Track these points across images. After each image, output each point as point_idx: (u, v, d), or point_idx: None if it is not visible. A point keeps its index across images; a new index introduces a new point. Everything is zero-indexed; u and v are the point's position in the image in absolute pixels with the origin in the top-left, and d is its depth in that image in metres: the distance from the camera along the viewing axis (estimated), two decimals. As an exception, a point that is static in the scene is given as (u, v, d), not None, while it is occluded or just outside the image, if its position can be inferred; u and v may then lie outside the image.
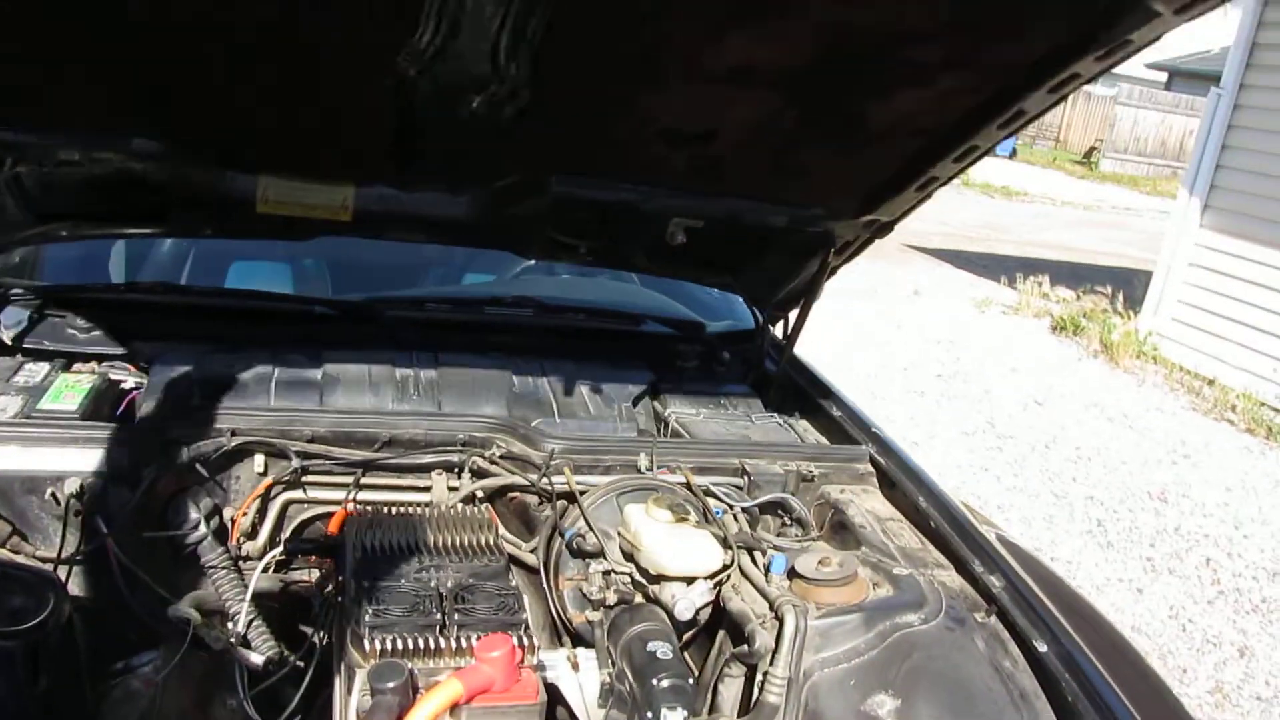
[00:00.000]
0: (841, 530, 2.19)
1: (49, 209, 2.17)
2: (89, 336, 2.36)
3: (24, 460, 1.90)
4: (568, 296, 2.94)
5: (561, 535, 1.98)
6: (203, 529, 2.01)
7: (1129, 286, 10.14)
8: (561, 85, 1.88)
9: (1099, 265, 12.83)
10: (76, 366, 2.31)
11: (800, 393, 2.75)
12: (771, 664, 1.73)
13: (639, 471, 2.17)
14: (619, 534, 1.97)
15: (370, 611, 1.61)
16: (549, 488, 2.10)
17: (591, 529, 1.97)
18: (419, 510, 2.05)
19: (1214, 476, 6.56)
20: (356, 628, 1.60)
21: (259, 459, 2.08)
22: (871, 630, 1.79)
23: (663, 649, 1.72)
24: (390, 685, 1.47)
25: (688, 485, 2.14)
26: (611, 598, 1.94)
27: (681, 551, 1.85)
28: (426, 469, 2.16)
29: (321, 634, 1.95)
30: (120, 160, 2.02)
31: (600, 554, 1.96)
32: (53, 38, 1.69)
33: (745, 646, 1.79)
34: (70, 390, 2.13)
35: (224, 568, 2.01)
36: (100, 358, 2.35)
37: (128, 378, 2.33)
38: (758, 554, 1.98)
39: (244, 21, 1.69)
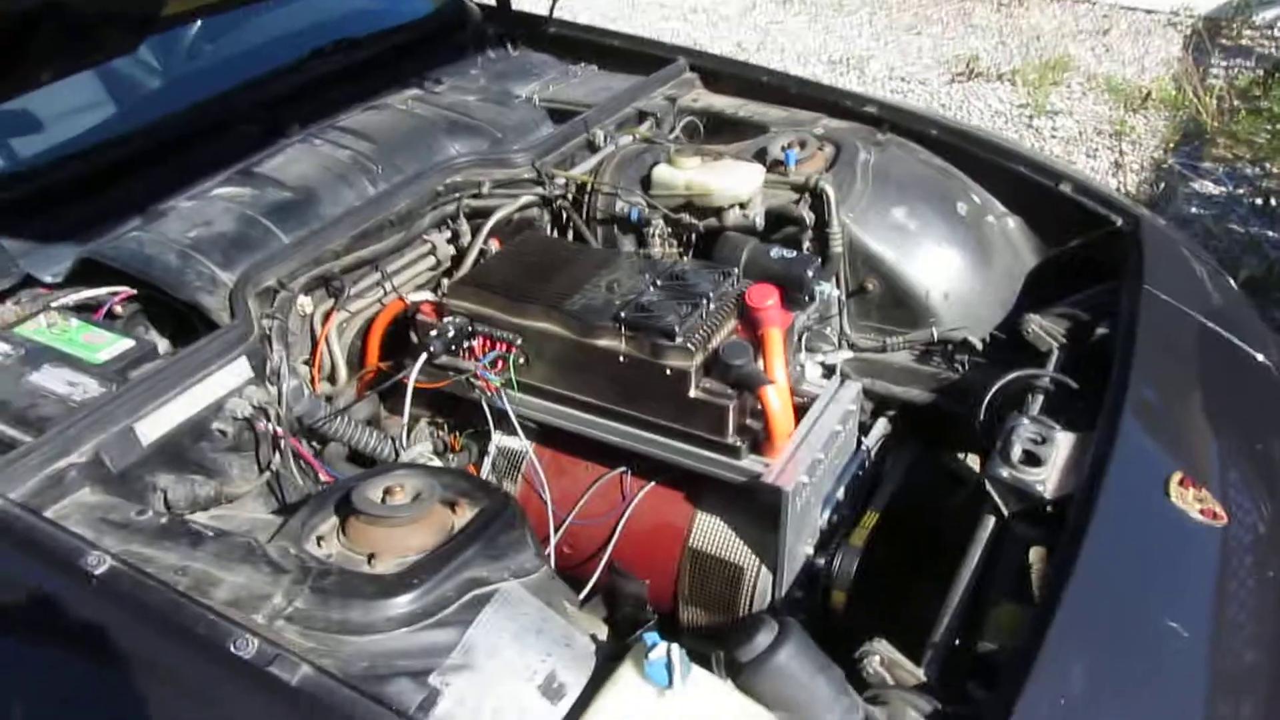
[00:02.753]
0: (722, 128, 2.62)
1: None
2: None
3: (178, 410, 1.62)
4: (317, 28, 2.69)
5: (627, 217, 2.20)
6: (305, 390, 1.90)
7: None
8: None
9: None
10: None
11: (576, 42, 2.95)
12: (826, 225, 2.24)
13: (601, 143, 2.38)
14: (651, 195, 2.25)
15: (672, 315, 1.74)
16: (557, 191, 2.25)
17: (627, 199, 2.22)
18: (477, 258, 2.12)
19: None
20: (660, 338, 1.74)
21: (302, 299, 1.95)
22: (858, 177, 2.33)
23: (782, 250, 2.10)
24: (744, 360, 1.74)
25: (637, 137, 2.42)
26: (671, 244, 2.27)
27: (737, 178, 2.21)
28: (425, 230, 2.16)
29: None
30: None
31: (649, 216, 2.23)
32: None
33: (793, 228, 2.27)
34: (81, 333, 1.72)
35: (336, 414, 1.94)
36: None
37: (77, 294, 1.89)
38: None
39: None
